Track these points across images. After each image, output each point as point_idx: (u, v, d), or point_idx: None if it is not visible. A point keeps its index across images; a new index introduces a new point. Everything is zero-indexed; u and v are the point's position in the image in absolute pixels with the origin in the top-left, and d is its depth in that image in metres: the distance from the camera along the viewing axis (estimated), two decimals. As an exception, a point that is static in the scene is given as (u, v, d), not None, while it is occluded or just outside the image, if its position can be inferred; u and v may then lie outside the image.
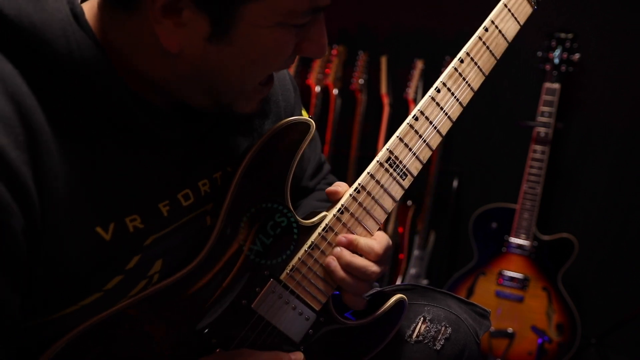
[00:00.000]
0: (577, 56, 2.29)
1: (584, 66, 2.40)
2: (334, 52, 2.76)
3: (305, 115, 1.06)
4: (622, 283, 2.50)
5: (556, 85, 2.30)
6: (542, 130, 2.32)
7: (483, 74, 0.93)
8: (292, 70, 2.78)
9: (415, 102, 2.61)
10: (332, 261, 0.84)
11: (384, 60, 2.71)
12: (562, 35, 2.31)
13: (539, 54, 2.34)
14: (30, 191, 0.62)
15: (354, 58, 2.77)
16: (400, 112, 2.70)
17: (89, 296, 0.71)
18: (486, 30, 0.92)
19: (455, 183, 2.69)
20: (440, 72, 2.86)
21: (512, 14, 0.93)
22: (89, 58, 0.66)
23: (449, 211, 2.76)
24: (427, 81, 2.63)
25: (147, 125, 0.72)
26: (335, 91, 2.75)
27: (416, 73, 2.61)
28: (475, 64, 0.92)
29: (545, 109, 2.32)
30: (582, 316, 2.34)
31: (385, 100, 2.71)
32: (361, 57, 2.74)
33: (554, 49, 2.31)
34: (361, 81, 2.73)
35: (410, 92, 2.60)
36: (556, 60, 2.30)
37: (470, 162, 2.70)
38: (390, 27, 2.79)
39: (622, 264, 2.50)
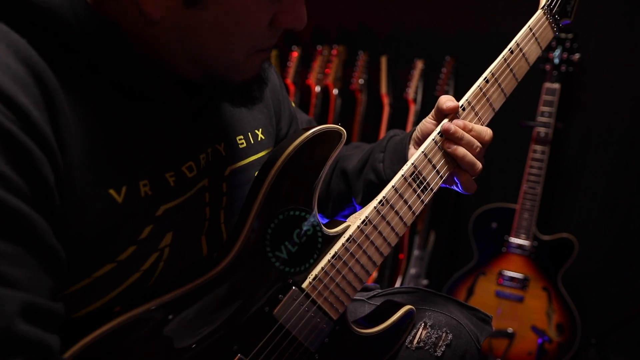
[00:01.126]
0: (577, 56, 2.29)
1: (584, 66, 2.40)
2: (334, 52, 2.76)
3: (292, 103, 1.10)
4: (622, 283, 2.50)
5: (556, 85, 2.30)
6: (542, 130, 2.32)
7: (505, 95, 0.97)
8: (291, 70, 2.78)
9: (415, 102, 2.61)
10: (452, 145, 0.93)
11: (384, 60, 2.71)
12: (562, 35, 2.31)
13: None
14: (55, 149, 0.63)
15: (354, 58, 2.76)
16: (400, 112, 2.69)
17: (101, 267, 0.71)
18: (512, 52, 0.94)
19: (455, 183, 2.69)
20: (441, 72, 2.83)
21: (536, 38, 0.97)
22: (95, 23, 0.67)
23: (449, 211, 2.76)
24: (427, 81, 2.63)
25: (156, 89, 0.73)
26: (335, 91, 2.75)
27: (416, 73, 2.61)
28: (499, 85, 0.95)
29: (545, 109, 2.32)
30: (582, 316, 2.34)
31: (385, 100, 2.71)
32: (361, 57, 2.74)
33: (554, 49, 2.31)
34: (361, 81, 2.73)
35: (410, 92, 2.60)
36: (556, 60, 2.30)
37: (470, 162, 2.70)
38: (390, 27, 2.79)
39: (622, 264, 2.50)
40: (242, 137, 0.92)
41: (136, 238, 0.73)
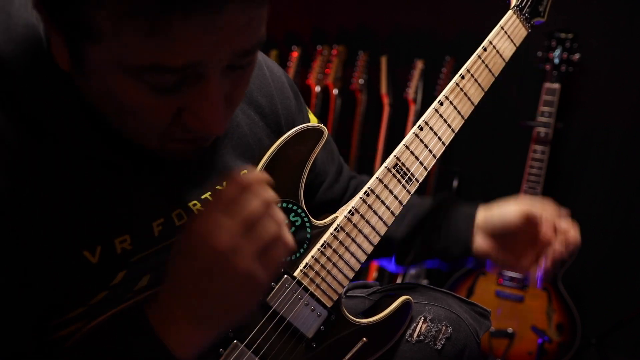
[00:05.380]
0: (577, 56, 2.29)
1: (584, 66, 2.40)
2: (334, 52, 2.77)
3: (312, 117, 1.05)
4: (622, 283, 2.50)
5: (556, 85, 2.30)
6: (542, 130, 2.32)
7: (482, 89, 1.01)
8: (291, 70, 2.79)
9: (415, 102, 2.61)
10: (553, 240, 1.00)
11: (384, 60, 2.71)
12: (562, 35, 2.31)
13: (539, 54, 2.34)
14: (10, 208, 0.62)
15: (354, 58, 2.77)
16: (400, 112, 2.69)
17: (73, 310, 0.71)
18: (485, 49, 1.00)
19: (455, 183, 2.69)
20: (441, 72, 2.83)
21: (508, 36, 1.03)
22: (51, 82, 0.65)
23: (449, 211, 2.75)
24: (427, 81, 2.64)
25: (127, 160, 0.71)
26: (335, 91, 2.75)
27: (416, 73, 2.61)
28: (475, 80, 1.00)
29: (545, 109, 2.32)
30: (582, 316, 2.34)
31: (385, 100, 2.71)
32: (361, 57, 2.74)
33: (554, 49, 2.31)
34: (361, 81, 2.73)
35: (410, 92, 2.60)
36: (556, 60, 2.30)
37: (470, 162, 2.70)
38: (390, 27, 2.79)
39: (622, 264, 2.50)
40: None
41: (107, 284, 0.72)
